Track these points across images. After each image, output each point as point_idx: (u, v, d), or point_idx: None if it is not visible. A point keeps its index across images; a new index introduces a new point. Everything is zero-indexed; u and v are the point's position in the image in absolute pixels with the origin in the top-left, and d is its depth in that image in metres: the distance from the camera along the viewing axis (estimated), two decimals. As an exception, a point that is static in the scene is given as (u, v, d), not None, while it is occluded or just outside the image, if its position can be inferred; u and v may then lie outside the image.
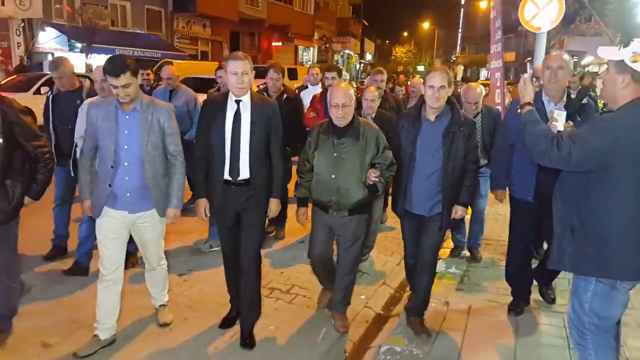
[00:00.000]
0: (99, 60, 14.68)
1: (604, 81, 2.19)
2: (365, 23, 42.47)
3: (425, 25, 56.66)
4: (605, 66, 2.20)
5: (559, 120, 2.46)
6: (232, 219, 2.94)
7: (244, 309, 2.99)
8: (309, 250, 3.24)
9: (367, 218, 3.22)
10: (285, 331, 3.08)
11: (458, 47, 51.31)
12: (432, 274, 3.18)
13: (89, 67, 14.04)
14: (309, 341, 3.00)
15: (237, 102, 2.79)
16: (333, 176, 2.98)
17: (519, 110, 2.40)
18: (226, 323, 3.11)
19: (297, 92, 5.88)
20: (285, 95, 4.51)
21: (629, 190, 2.03)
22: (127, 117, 2.68)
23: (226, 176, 2.84)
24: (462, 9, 48.77)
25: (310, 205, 3.16)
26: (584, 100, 3.15)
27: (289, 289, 3.66)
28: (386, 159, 3.00)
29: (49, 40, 15.00)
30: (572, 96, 3.10)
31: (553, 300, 3.43)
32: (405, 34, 60.74)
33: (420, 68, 46.38)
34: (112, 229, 2.78)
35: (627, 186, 2.03)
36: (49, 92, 4.03)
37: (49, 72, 4.53)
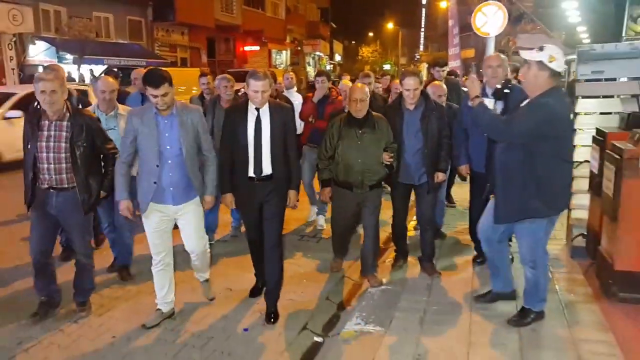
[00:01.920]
0: (91, 70, 15.50)
1: (526, 75, 2.86)
2: (334, 25, 43.96)
3: (390, 25, 58.62)
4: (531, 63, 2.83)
5: (489, 106, 3.08)
6: (255, 210, 3.38)
7: (268, 287, 3.45)
8: (334, 223, 4.06)
9: (381, 191, 3.99)
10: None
11: (421, 46, 53.39)
12: (433, 229, 4.16)
13: (81, 78, 14.82)
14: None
15: (257, 109, 3.23)
16: (359, 160, 3.67)
17: (469, 103, 3.05)
18: (255, 292, 3.70)
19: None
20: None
21: (564, 152, 2.83)
22: (166, 121, 3.03)
23: (250, 173, 3.27)
24: (423, 9, 50.87)
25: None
26: (506, 90, 3.69)
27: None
28: (395, 143, 3.78)
29: (39, 53, 15.68)
30: (498, 86, 3.80)
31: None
32: (371, 34, 62.61)
33: (387, 67, 48.19)
34: (157, 221, 3.15)
35: (557, 150, 2.78)
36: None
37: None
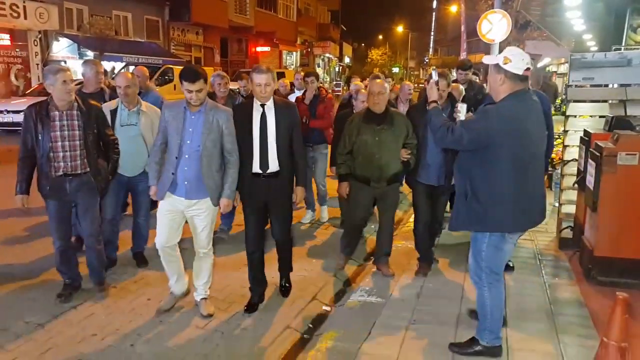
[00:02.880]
0: (110, 67, 16.07)
1: (489, 80, 2.76)
2: (344, 28, 44.41)
3: (399, 29, 59.00)
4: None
5: (462, 112, 2.92)
6: (260, 206, 3.41)
7: (280, 267, 3.74)
8: (348, 217, 4.20)
9: (399, 186, 4.14)
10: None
11: (431, 50, 53.66)
12: (439, 233, 4.54)
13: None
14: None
15: (262, 105, 3.27)
16: (377, 156, 3.76)
17: (427, 107, 2.95)
18: (251, 308, 3.49)
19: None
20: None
21: (508, 164, 2.55)
22: (192, 117, 3.12)
23: (256, 169, 3.30)
24: (433, 14, 51.19)
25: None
26: (480, 96, 4.07)
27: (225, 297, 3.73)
28: (414, 139, 3.81)
29: (61, 49, 16.29)
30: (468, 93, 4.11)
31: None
32: (381, 37, 63.01)
33: (396, 70, 48.54)
34: (169, 209, 3.23)
35: (506, 160, 2.55)
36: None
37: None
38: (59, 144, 3.30)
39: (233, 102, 4.72)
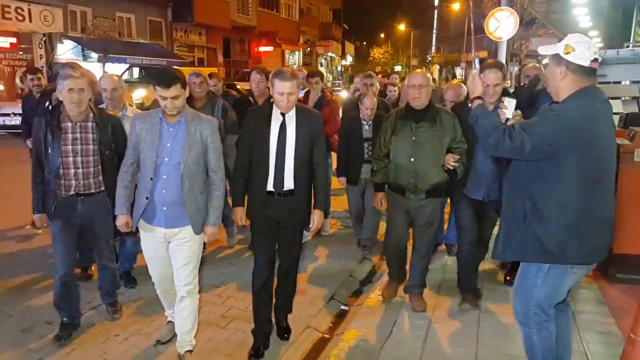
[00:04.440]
0: (112, 68, 16.11)
1: (546, 75, 2.32)
2: (345, 27, 44.39)
3: (401, 27, 58.89)
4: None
5: (509, 108, 2.42)
6: (271, 228, 2.93)
7: (278, 307, 3.11)
8: (386, 235, 3.50)
9: (443, 202, 3.34)
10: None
11: (433, 48, 53.57)
12: (482, 257, 3.67)
13: (106, 76, 15.46)
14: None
15: (283, 114, 2.80)
16: (412, 159, 3.13)
17: (469, 104, 2.45)
18: (255, 354, 2.94)
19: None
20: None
21: (577, 179, 2.06)
22: (171, 129, 2.64)
23: (269, 187, 2.83)
24: (435, 11, 51.07)
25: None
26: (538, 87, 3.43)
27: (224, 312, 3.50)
28: (464, 144, 3.16)
29: (66, 51, 16.31)
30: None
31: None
32: (383, 35, 62.95)
33: (398, 68, 48.48)
34: (153, 245, 2.77)
35: (575, 174, 2.07)
36: (47, 103, 3.96)
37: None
38: (71, 159, 2.92)
39: (212, 104, 4.35)
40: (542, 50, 2.31)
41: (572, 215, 2.10)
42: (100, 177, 3.02)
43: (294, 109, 2.84)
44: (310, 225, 2.99)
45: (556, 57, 2.18)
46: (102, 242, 3.18)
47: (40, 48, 15.16)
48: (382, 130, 3.39)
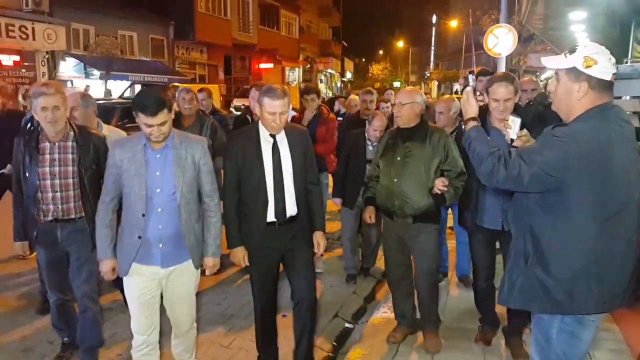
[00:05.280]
0: (116, 85, 16.25)
1: (555, 93, 1.92)
2: (345, 44, 44.91)
3: (400, 43, 59.67)
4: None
5: (513, 128, 2.20)
6: (275, 263, 2.73)
7: (302, 346, 2.80)
8: (385, 262, 3.25)
9: (436, 229, 3.08)
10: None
11: (431, 64, 54.11)
12: None
13: (108, 93, 15.55)
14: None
15: (273, 135, 2.60)
16: (395, 180, 2.93)
17: (463, 126, 2.18)
18: None
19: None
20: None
21: (588, 214, 1.77)
22: (157, 155, 2.35)
23: (270, 218, 2.60)
24: (433, 28, 51.74)
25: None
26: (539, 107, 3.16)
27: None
28: (455, 166, 2.87)
29: (68, 69, 16.47)
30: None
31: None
32: (381, 52, 63.69)
33: (397, 84, 48.89)
34: (143, 288, 2.41)
35: (585, 209, 1.77)
36: (28, 124, 3.74)
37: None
38: (48, 182, 2.69)
39: (202, 123, 4.15)
40: (547, 62, 1.98)
41: (582, 258, 1.79)
42: (81, 202, 2.76)
43: (283, 130, 2.64)
44: (315, 250, 2.80)
45: (573, 72, 1.82)
46: (84, 275, 2.77)
47: (43, 65, 15.27)
48: (375, 149, 3.33)
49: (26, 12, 14.15)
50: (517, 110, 2.67)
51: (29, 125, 3.70)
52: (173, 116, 2.42)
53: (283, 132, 2.64)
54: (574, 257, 1.80)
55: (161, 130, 2.28)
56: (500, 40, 8.14)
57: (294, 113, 4.78)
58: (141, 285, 2.41)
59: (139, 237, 2.34)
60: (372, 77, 53.38)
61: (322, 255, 3.74)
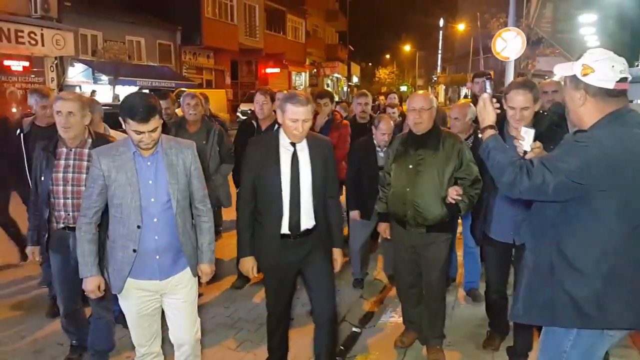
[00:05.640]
0: (124, 90, 16.38)
1: (565, 100, 1.93)
2: (351, 48, 44.96)
3: (407, 47, 59.69)
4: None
5: (526, 139, 2.08)
6: (291, 277, 2.64)
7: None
8: (395, 272, 3.19)
9: (449, 239, 2.98)
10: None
11: (439, 68, 54.05)
12: None
13: (116, 98, 15.67)
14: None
15: (293, 144, 2.49)
16: (408, 189, 2.82)
17: (479, 135, 2.08)
18: None
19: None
20: (277, 126, 3.77)
21: (616, 221, 1.71)
22: (148, 163, 2.23)
23: (284, 230, 2.50)
24: (440, 32, 51.73)
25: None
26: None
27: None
28: (470, 173, 2.77)
29: (77, 74, 16.64)
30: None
31: None
32: (388, 56, 63.73)
33: (404, 88, 48.85)
34: (141, 303, 2.32)
35: (615, 216, 1.71)
36: (18, 131, 3.69)
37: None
38: (61, 187, 2.69)
39: (208, 129, 4.06)
40: (557, 70, 1.95)
41: (612, 269, 1.71)
42: None
43: (305, 139, 2.53)
44: (334, 267, 2.67)
45: (574, 80, 1.82)
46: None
47: (52, 71, 15.44)
48: (385, 155, 3.19)
49: (35, 18, 14.34)
50: (530, 120, 2.52)
51: (17, 132, 3.67)
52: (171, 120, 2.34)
53: (305, 142, 2.52)
54: (604, 268, 1.72)
55: (152, 137, 2.17)
56: (509, 44, 8.10)
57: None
58: (138, 300, 2.32)
59: (134, 251, 2.23)
60: (378, 82, 53.39)
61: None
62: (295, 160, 2.49)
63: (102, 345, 2.91)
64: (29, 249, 2.91)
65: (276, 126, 3.78)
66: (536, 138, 2.10)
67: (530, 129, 2.11)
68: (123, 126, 2.17)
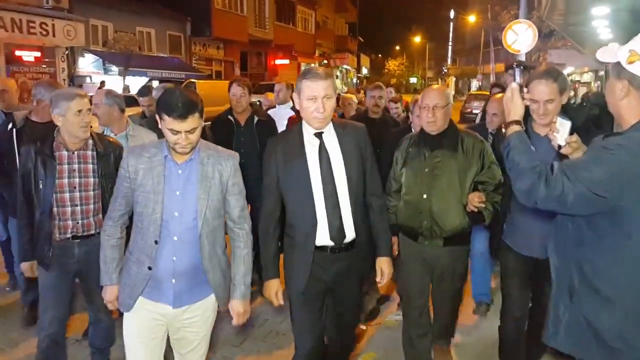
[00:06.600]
0: (134, 81, 16.44)
1: (606, 91, 1.67)
2: (361, 39, 44.66)
3: (417, 39, 59.16)
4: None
5: (561, 132, 1.86)
6: (321, 300, 2.21)
7: None
8: (402, 289, 2.81)
9: (468, 250, 2.64)
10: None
11: (449, 60, 53.52)
12: None
13: (126, 89, 15.76)
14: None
15: (318, 134, 2.09)
16: (425, 196, 2.46)
17: (503, 130, 1.82)
18: None
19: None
20: (256, 118, 3.68)
21: None
22: (179, 171, 1.95)
23: (324, 241, 2.10)
24: (451, 24, 51.13)
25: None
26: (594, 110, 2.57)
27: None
28: (493, 177, 2.45)
29: (87, 65, 16.74)
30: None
31: None
32: (398, 48, 63.26)
33: (413, 80, 48.53)
34: (146, 327, 2.01)
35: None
36: (11, 125, 3.18)
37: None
38: (67, 195, 2.43)
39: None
40: (601, 55, 1.63)
41: (637, 293, 1.49)
42: (101, 216, 2.48)
43: (331, 124, 2.12)
44: (378, 280, 2.30)
45: (617, 67, 1.55)
46: (100, 292, 2.28)
47: (63, 62, 15.55)
48: (393, 160, 2.68)
49: (46, 9, 14.42)
50: (566, 112, 2.12)
51: (10, 126, 3.20)
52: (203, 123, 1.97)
53: (332, 130, 2.11)
54: (633, 295, 1.50)
55: (189, 139, 1.87)
56: (520, 36, 8.01)
57: (292, 113, 4.40)
58: (144, 323, 2.01)
59: (149, 268, 1.95)
60: (388, 73, 53.12)
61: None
62: (323, 153, 2.08)
63: (103, 343, 2.81)
64: (25, 266, 2.56)
65: (256, 118, 3.62)
66: (572, 132, 1.84)
67: (566, 120, 1.85)
68: (159, 124, 1.91)
